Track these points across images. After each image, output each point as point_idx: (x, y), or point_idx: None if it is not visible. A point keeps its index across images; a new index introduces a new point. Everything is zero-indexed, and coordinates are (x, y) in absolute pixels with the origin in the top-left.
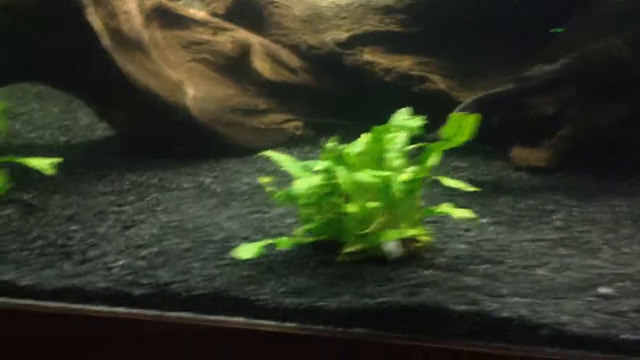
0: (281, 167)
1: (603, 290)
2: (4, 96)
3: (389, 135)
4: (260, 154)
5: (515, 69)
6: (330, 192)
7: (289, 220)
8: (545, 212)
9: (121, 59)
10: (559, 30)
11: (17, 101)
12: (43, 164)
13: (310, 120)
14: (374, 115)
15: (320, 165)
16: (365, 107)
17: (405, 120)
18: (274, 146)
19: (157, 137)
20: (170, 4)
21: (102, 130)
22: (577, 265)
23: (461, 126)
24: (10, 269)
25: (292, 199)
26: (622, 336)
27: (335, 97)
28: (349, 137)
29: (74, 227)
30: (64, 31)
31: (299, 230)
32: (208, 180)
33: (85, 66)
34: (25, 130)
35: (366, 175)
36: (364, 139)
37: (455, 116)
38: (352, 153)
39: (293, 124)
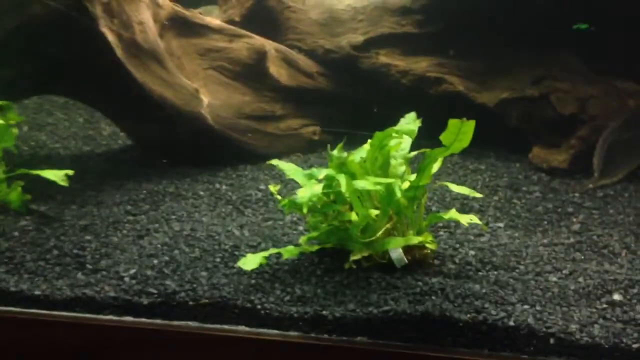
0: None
1: (617, 297)
2: (33, 108)
3: (393, 142)
4: (269, 161)
5: (532, 68)
6: (334, 200)
7: (301, 228)
8: (563, 214)
9: (136, 70)
10: (583, 26)
11: (44, 112)
12: (57, 176)
13: (327, 125)
14: (390, 119)
15: (323, 173)
16: (382, 111)
17: (404, 124)
18: (291, 152)
19: (174, 146)
20: (186, 13)
21: (123, 139)
22: (592, 271)
23: (460, 132)
24: (25, 279)
25: (296, 207)
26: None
27: (352, 101)
28: (364, 141)
29: (88, 237)
30: (79, 43)
31: (305, 238)
32: (224, 187)
33: (100, 78)
34: (51, 140)
35: (367, 183)
36: (368, 145)
37: (453, 122)
38: (355, 160)
39: (310, 129)
